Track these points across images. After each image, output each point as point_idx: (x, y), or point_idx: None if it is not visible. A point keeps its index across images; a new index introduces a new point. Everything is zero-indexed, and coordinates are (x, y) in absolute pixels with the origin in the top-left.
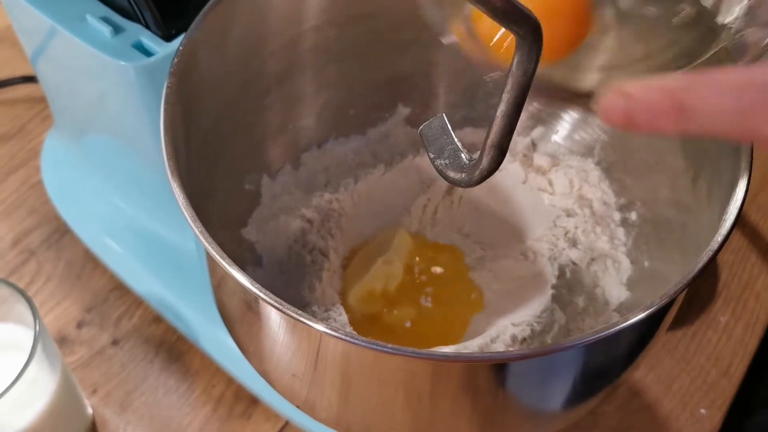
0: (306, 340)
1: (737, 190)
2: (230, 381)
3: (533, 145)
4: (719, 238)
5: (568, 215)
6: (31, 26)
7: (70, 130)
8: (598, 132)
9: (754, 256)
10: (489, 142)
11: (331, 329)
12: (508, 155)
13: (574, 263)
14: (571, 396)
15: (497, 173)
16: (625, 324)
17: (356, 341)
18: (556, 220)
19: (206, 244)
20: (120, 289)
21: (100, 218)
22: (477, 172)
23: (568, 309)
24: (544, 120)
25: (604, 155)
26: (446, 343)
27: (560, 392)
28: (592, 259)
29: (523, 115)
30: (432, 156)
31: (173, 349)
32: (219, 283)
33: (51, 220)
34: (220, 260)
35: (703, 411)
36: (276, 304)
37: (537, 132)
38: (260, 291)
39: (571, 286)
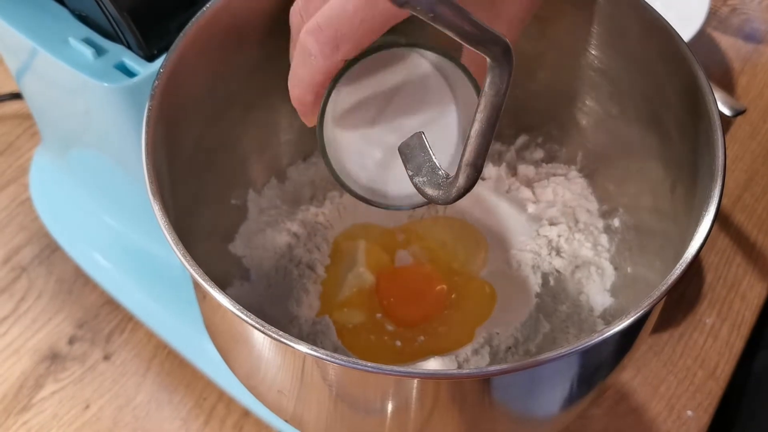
0: (290, 358)
1: (711, 202)
2: (221, 393)
3: (517, 155)
4: (692, 249)
5: (552, 224)
6: (15, 47)
7: (57, 148)
8: (580, 140)
9: (739, 258)
10: (464, 160)
11: (312, 349)
12: (492, 165)
13: (558, 271)
14: (556, 403)
15: (481, 183)
16: (600, 338)
17: (336, 361)
18: (540, 229)
19: (188, 267)
20: (111, 304)
21: (89, 234)
22: (454, 190)
23: (553, 317)
24: (528, 129)
25: (586, 162)
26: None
27: (545, 400)
28: (576, 267)
29: (507, 125)
30: (410, 173)
31: (164, 362)
32: (203, 299)
33: (41, 237)
34: (202, 282)
35: (689, 413)
36: (257, 325)
37: (520, 141)
38: (242, 312)
39: (555, 294)
